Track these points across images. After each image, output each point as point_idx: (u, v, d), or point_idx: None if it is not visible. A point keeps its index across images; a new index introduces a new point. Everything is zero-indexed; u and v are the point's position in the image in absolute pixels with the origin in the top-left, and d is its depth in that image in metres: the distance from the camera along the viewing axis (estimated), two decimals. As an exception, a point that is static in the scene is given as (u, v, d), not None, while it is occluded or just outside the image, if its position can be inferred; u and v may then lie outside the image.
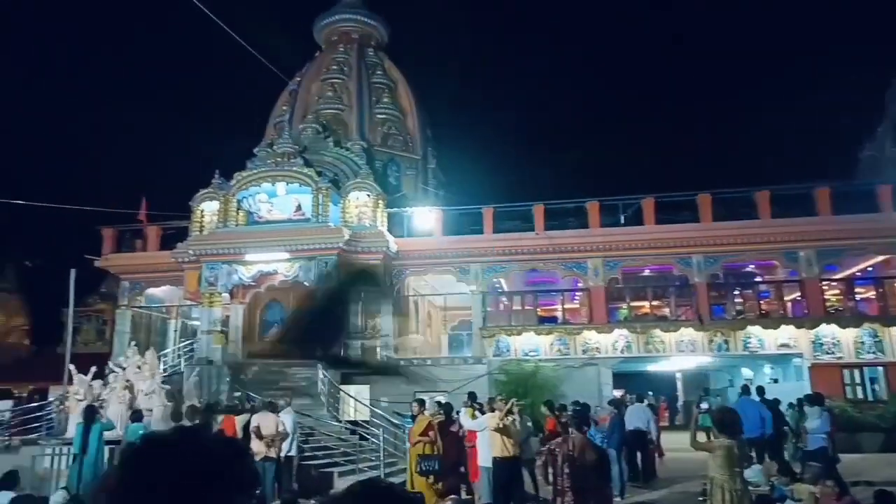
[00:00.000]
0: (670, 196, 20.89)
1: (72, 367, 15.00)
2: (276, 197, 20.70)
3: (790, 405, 14.53)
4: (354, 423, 16.02)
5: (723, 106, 59.09)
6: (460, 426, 10.86)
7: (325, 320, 19.91)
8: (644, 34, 64.86)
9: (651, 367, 24.09)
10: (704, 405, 13.94)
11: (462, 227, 21.60)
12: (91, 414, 11.05)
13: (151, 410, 13.73)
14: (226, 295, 20.48)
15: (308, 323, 20.12)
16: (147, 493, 1.17)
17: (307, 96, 26.35)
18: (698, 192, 20.59)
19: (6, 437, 15.02)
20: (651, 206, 20.75)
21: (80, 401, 13.75)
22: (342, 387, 17.24)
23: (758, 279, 22.88)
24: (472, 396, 12.25)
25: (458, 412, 11.35)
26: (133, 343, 17.79)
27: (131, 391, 14.23)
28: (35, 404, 17.99)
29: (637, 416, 12.89)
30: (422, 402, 11.20)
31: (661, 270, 22.16)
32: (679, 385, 30.30)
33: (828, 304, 20.89)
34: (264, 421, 11.32)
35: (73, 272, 17.25)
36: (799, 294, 20.99)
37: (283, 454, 11.64)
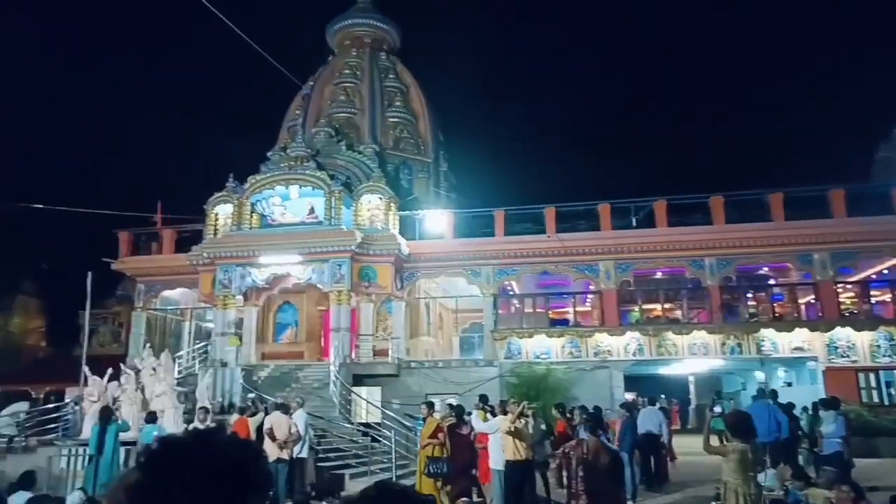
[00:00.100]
0: (682, 198, 20.77)
1: (86, 368, 15.16)
2: (290, 200, 20.84)
3: (804, 409, 14.41)
4: (367, 424, 16.09)
5: (736, 107, 58.77)
6: (471, 429, 10.86)
7: None
8: (655, 36, 64.60)
9: (663, 370, 23.94)
10: (717, 409, 13.82)
11: (473, 230, 21.60)
12: (107, 415, 11.18)
13: (164, 411, 13.86)
14: (239, 297, 20.64)
15: None
16: (163, 495, 1.21)
17: (320, 100, 26.49)
18: (711, 195, 20.46)
19: (23, 438, 15.19)
20: (663, 209, 20.64)
21: (94, 402, 13.91)
22: (354, 388, 17.32)
23: (771, 282, 22.68)
24: (483, 399, 12.25)
25: (469, 414, 11.36)
26: (148, 345, 18.00)
27: (143, 393, 14.38)
28: (51, 405, 18.23)
29: (649, 420, 12.81)
30: (431, 405, 11.20)
31: (674, 273, 22.03)
32: (691, 388, 30.17)
33: (842, 306, 20.68)
34: (277, 422, 11.40)
35: (89, 275, 17.43)
36: (813, 297, 20.77)
37: (294, 455, 11.72)
